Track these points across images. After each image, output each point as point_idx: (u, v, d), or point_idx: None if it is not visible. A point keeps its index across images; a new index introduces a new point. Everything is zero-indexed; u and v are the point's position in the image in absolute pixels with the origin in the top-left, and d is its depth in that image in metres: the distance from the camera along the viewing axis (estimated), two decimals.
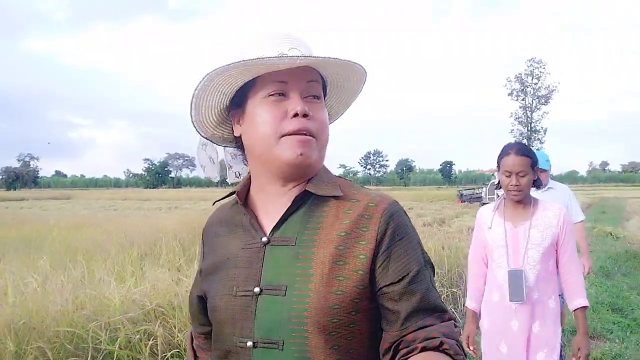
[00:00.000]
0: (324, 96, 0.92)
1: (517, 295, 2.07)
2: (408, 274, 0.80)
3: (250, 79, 0.86)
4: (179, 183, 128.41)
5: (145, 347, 2.68)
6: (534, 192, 2.83)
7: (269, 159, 0.85)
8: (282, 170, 0.85)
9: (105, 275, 3.84)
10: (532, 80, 52.34)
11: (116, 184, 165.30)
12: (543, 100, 52.08)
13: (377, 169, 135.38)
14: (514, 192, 2.11)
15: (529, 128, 52.15)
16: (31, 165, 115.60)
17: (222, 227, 0.96)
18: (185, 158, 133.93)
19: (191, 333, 1.06)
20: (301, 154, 0.83)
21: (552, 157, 3.52)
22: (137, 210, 20.96)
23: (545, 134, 52.09)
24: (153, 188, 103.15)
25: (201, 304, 0.97)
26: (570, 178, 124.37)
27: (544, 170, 3.35)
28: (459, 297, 4.57)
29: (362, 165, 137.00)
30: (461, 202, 28.22)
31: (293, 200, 0.86)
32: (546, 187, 3.43)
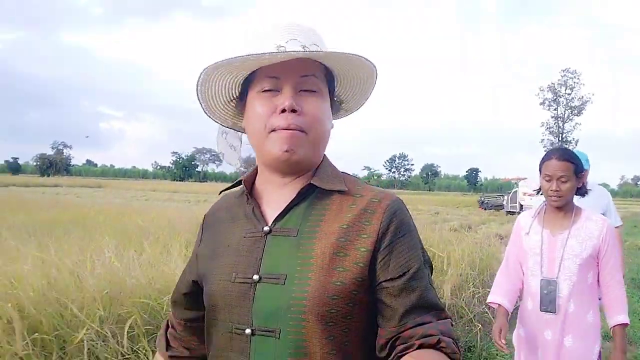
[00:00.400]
0: (332, 89, 0.92)
1: (548, 305, 2.02)
2: (409, 270, 0.81)
3: (248, 72, 0.87)
4: (205, 177, 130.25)
5: None
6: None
7: (261, 153, 0.87)
8: (273, 164, 0.87)
9: (165, 255, 4.18)
10: (565, 90, 51.40)
11: (144, 175, 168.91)
12: (576, 111, 51.07)
13: (402, 173, 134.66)
14: (554, 198, 2.03)
15: (560, 139, 51.22)
16: (64, 154, 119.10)
17: (225, 214, 0.97)
18: (213, 153, 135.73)
19: (167, 320, 1.07)
20: (287, 150, 0.83)
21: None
22: (167, 202, 21.52)
23: (576, 145, 51.03)
24: (180, 181, 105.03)
25: (192, 288, 0.98)
26: None
27: (584, 171, 3.27)
28: None
29: (386, 168, 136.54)
30: (482, 209, 28.14)
31: (297, 193, 0.87)
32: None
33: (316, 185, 0.87)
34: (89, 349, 2.31)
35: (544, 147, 51.37)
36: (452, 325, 0.81)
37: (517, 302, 2.27)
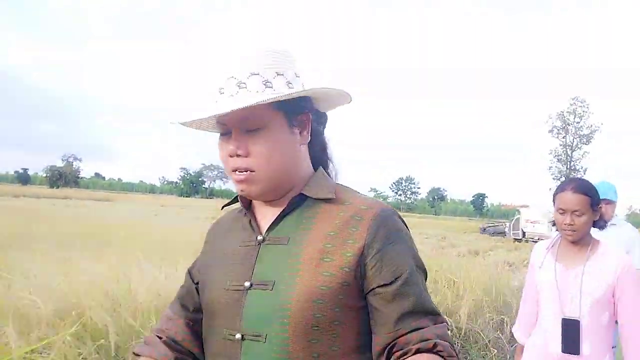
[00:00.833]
0: (294, 105, 0.90)
1: (571, 347, 1.89)
2: (401, 275, 0.82)
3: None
4: (211, 194, 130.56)
5: None
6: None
7: None
8: None
9: None
10: (574, 118, 51.57)
11: (151, 190, 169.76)
12: (585, 140, 51.13)
13: (408, 196, 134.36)
14: (568, 232, 1.92)
15: (568, 167, 51.15)
16: (74, 166, 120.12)
17: (225, 227, 1.02)
18: (220, 170, 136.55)
19: (162, 317, 1.08)
20: (242, 190, 0.90)
21: None
22: (178, 218, 21.72)
23: (585, 173, 50.95)
24: (187, 197, 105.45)
25: (193, 288, 1.02)
26: None
27: (610, 202, 3.04)
28: (506, 324, 4.88)
29: (393, 191, 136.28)
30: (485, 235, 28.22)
31: (288, 203, 0.91)
32: (609, 224, 3.12)
33: (306, 194, 0.91)
34: None
35: (552, 174, 51.33)
36: (448, 329, 0.88)
37: None
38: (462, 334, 4.71)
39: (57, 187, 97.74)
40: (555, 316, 1.95)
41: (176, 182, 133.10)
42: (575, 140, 51.42)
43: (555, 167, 51.69)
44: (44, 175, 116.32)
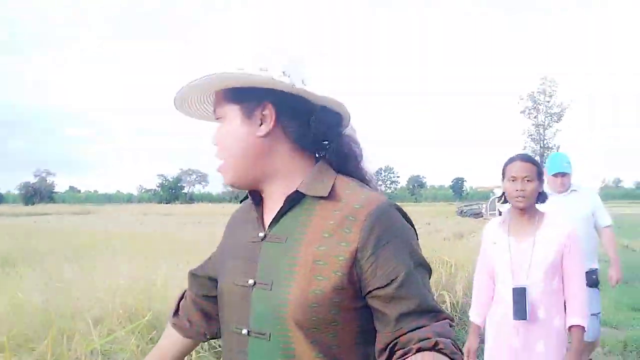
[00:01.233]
0: (255, 94, 0.90)
1: (520, 313, 2.03)
2: (397, 277, 0.81)
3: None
4: (191, 198, 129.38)
5: None
6: (554, 198, 2.93)
7: None
8: None
9: None
10: (544, 98, 52.93)
11: (129, 199, 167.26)
12: (555, 118, 52.54)
13: (388, 185, 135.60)
14: (519, 199, 2.05)
15: (542, 145, 52.53)
16: (48, 181, 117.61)
17: (240, 218, 1.05)
18: (199, 174, 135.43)
19: (183, 291, 1.18)
20: (223, 180, 0.96)
21: None
22: (164, 225, 21.69)
23: (557, 150, 52.40)
24: (167, 203, 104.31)
25: (211, 273, 1.10)
26: None
27: (565, 174, 3.27)
28: None
29: None
30: (462, 217, 29.04)
31: (285, 200, 0.90)
32: (569, 190, 3.32)
33: (301, 191, 0.90)
34: None
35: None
36: (450, 325, 0.81)
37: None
38: (459, 307, 5.06)
39: (32, 203, 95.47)
40: (509, 287, 2.07)
41: (155, 190, 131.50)
42: (546, 119, 52.86)
43: (529, 146, 52.95)
44: (18, 192, 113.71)
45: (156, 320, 2.90)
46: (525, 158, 2.12)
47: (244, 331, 0.88)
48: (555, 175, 3.28)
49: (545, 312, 2.04)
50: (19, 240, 9.16)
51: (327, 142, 0.95)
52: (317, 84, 0.95)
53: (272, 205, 0.94)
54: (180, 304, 1.16)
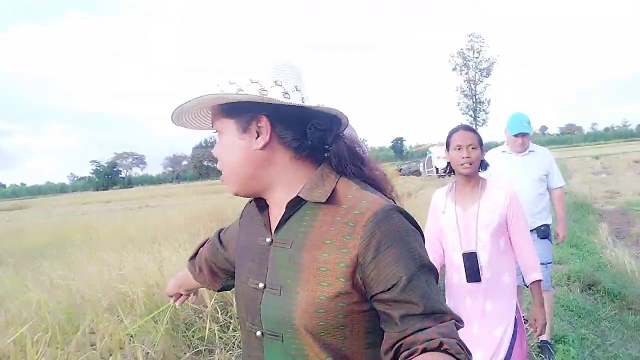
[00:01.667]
0: (248, 110, 0.90)
1: (473, 276, 2.13)
2: (399, 281, 0.81)
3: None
4: (130, 182, 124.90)
5: None
6: (511, 158, 3.31)
7: None
8: None
9: (178, 254, 4.69)
10: (473, 54, 54.96)
11: (62, 189, 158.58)
12: (485, 73, 54.87)
13: None
14: (465, 165, 2.13)
15: (474, 100, 54.90)
16: None
17: (252, 213, 1.06)
18: (135, 156, 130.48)
19: (208, 238, 1.30)
20: (228, 189, 0.98)
21: (494, 126, 3.75)
22: (108, 212, 20.99)
23: (489, 104, 55.01)
24: (104, 190, 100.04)
25: (228, 248, 1.20)
26: None
27: (526, 134, 3.32)
28: None
29: None
30: (401, 176, 30.38)
31: (286, 206, 0.92)
32: (527, 151, 3.40)
33: (301, 197, 0.91)
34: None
35: (461, 110, 54.85)
36: (457, 326, 0.82)
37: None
38: None
39: None
40: (459, 253, 2.18)
41: (89, 177, 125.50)
42: (476, 74, 55.06)
43: (463, 102, 55.27)
44: None
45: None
46: (468, 128, 2.22)
47: (259, 333, 0.91)
48: (516, 135, 3.33)
49: (493, 273, 2.13)
50: None
51: (327, 146, 0.94)
52: (310, 88, 0.97)
53: (277, 211, 0.96)
54: (200, 250, 1.29)
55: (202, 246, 1.30)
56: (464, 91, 55.36)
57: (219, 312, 3.30)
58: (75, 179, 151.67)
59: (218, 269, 1.24)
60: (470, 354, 0.79)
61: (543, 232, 3.34)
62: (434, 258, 2.30)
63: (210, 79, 0.96)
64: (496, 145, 3.84)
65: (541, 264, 2.98)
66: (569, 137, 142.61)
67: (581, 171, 21.70)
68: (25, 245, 7.42)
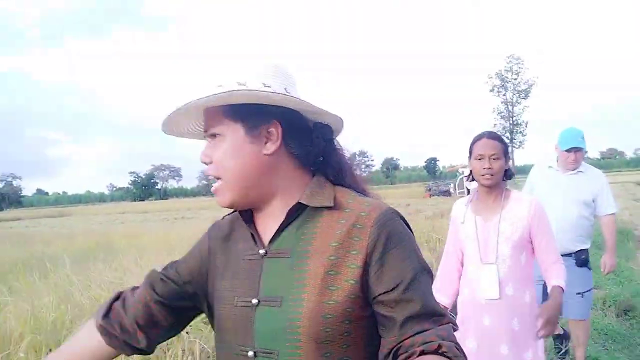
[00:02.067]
0: (259, 114, 0.87)
1: (489, 291, 2.02)
2: (402, 281, 0.81)
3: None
4: (165, 194, 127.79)
5: None
6: (558, 177, 3.09)
7: None
8: None
9: None
10: (511, 76, 54.34)
11: (101, 198, 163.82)
12: (523, 95, 54.07)
13: (362, 169, 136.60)
14: (487, 176, 2.01)
15: (511, 122, 54.07)
16: (14, 185, 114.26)
17: (224, 233, 1.00)
18: (171, 169, 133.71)
19: (120, 292, 1.06)
20: (217, 201, 0.91)
21: (534, 147, 4.25)
22: (146, 222, 21.63)
23: (526, 126, 54.06)
24: (140, 201, 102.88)
25: (185, 279, 1.00)
26: None
27: (579, 149, 3.03)
28: None
29: None
30: (429, 196, 30.00)
31: (287, 213, 0.89)
32: (576, 171, 3.10)
33: (304, 203, 0.89)
34: None
35: (497, 131, 53.83)
36: (454, 329, 0.82)
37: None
38: None
39: (1, 209, 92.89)
40: (478, 266, 2.06)
41: (127, 188, 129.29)
42: (514, 96, 54.32)
43: (499, 123, 54.50)
44: None
45: None
46: (492, 136, 2.08)
47: (250, 353, 0.85)
48: (568, 150, 3.04)
49: (514, 289, 2.01)
50: (15, 248, 9.22)
51: (322, 157, 0.94)
52: (302, 94, 0.95)
53: (268, 221, 0.92)
54: (115, 305, 1.03)
55: (115, 300, 1.04)
56: (500, 112, 54.65)
57: None
58: (114, 189, 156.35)
59: (164, 316, 1.01)
60: (466, 358, 0.78)
61: (582, 260, 3.11)
62: (448, 269, 2.21)
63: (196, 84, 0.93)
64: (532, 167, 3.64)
65: (578, 293, 2.99)
66: (610, 161, 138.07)
67: (622, 197, 21.00)
68: (75, 249, 7.83)
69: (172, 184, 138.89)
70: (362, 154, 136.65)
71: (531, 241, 2.05)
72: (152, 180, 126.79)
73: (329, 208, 0.88)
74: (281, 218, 0.89)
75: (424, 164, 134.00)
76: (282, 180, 0.91)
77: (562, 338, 3.34)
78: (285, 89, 0.88)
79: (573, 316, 3.08)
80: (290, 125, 0.90)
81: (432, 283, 0.88)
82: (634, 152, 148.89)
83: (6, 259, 7.37)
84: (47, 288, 4.14)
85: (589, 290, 3.14)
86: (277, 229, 0.89)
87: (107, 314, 1.01)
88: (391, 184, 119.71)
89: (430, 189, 32.72)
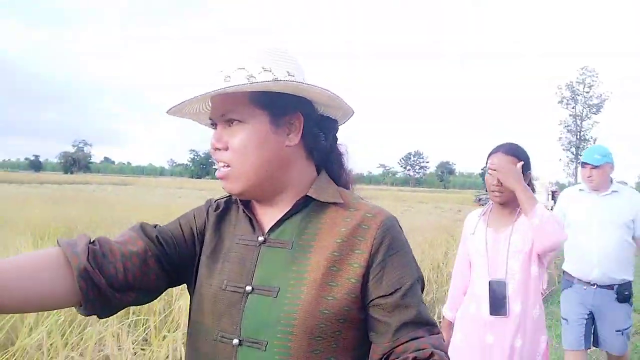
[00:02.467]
0: (281, 104, 0.85)
1: (498, 308, 1.92)
2: (401, 287, 0.82)
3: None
4: None
5: None
6: (591, 199, 2.89)
7: None
8: None
9: None
10: (583, 88, 51.62)
11: (161, 172, 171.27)
12: (594, 109, 51.27)
13: (416, 170, 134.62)
14: (496, 193, 1.94)
15: (578, 137, 51.45)
16: (85, 151, 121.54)
17: (222, 213, 0.96)
18: None
19: (97, 238, 0.85)
20: (224, 187, 0.87)
21: None
22: (202, 199, 22.30)
23: (594, 143, 51.33)
24: (197, 178, 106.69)
25: (169, 236, 0.91)
26: None
27: (595, 167, 2.84)
28: None
29: (401, 166, 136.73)
30: (479, 205, 29.15)
31: (294, 204, 0.88)
32: (610, 190, 2.89)
33: (312, 197, 0.88)
34: None
35: (562, 145, 51.65)
36: (443, 340, 0.83)
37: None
38: None
39: (71, 172, 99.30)
40: (485, 280, 1.97)
41: (186, 164, 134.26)
42: (584, 110, 51.59)
43: (565, 137, 51.96)
44: (58, 161, 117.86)
45: None
46: (509, 151, 1.96)
47: (235, 341, 0.82)
48: (583, 165, 2.94)
49: (523, 305, 1.91)
50: (84, 210, 10.03)
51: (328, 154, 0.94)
52: (307, 75, 0.93)
53: (270, 209, 0.90)
54: (93, 248, 0.81)
55: (91, 243, 0.84)
56: (567, 126, 52.01)
57: None
58: (174, 164, 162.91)
59: (159, 272, 0.88)
60: None
61: (624, 295, 2.85)
62: (457, 283, 2.17)
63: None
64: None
65: (617, 331, 2.86)
66: None
67: None
68: (139, 217, 8.44)
69: None
70: (417, 154, 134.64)
71: None
72: (210, 160, 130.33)
73: (335, 205, 0.89)
74: (284, 208, 0.89)
75: (481, 171, 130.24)
76: (295, 174, 0.90)
77: None
78: (263, 67, 0.85)
79: (612, 351, 2.97)
80: (308, 117, 0.89)
81: (422, 292, 0.88)
82: None
83: (77, 219, 8.13)
84: None
85: (628, 329, 2.93)
86: (280, 219, 0.88)
87: (89, 258, 0.80)
88: (444, 187, 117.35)
89: (480, 200, 31.88)
